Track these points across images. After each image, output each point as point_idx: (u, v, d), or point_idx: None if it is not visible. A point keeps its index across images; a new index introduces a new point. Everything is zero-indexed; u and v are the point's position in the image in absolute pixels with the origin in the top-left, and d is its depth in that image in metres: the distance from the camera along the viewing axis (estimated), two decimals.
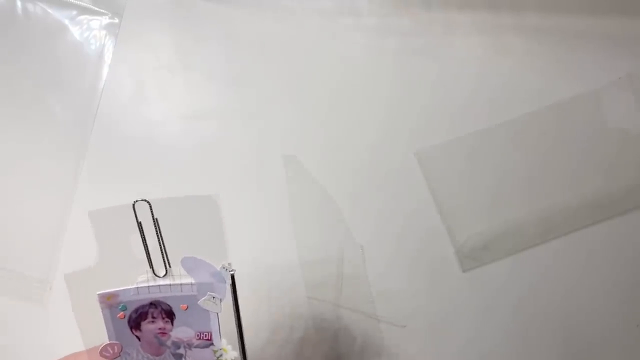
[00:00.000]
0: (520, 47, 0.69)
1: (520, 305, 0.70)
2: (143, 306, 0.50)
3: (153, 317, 0.51)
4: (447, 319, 0.70)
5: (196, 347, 0.52)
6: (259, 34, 0.70)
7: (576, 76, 0.69)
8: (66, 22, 0.68)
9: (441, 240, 0.70)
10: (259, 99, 0.70)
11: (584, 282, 0.70)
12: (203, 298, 0.50)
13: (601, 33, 0.69)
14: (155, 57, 0.69)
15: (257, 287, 0.68)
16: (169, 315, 0.51)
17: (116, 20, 0.68)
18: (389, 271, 0.70)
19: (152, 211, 0.49)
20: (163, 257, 0.50)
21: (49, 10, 0.68)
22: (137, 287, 0.49)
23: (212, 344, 0.52)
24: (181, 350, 0.52)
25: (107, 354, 0.50)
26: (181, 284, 0.50)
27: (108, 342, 0.50)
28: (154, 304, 0.50)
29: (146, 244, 0.49)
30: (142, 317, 0.51)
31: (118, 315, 0.50)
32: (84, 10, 0.68)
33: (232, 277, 0.50)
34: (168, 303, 0.50)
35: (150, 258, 0.50)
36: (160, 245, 0.50)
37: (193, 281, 0.50)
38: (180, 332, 0.52)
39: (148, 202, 0.49)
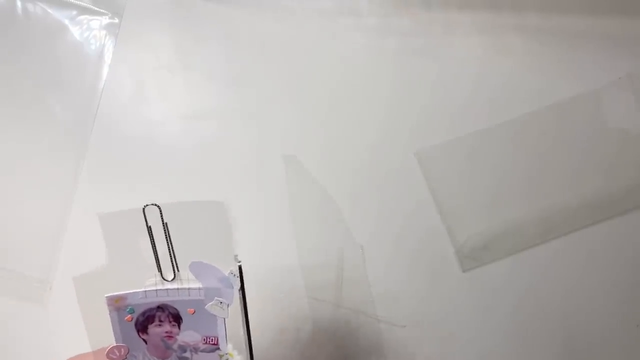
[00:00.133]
0: (520, 47, 0.69)
1: (520, 305, 0.70)
2: (150, 309, 0.50)
3: (160, 321, 0.51)
4: (447, 319, 0.70)
5: (202, 351, 0.52)
6: (259, 34, 0.70)
7: (576, 76, 0.69)
8: (66, 22, 0.68)
9: (441, 240, 0.70)
10: (259, 99, 0.70)
11: (583, 282, 0.70)
12: (210, 303, 0.50)
13: (601, 33, 0.69)
14: (155, 57, 0.69)
15: (260, 287, 0.68)
16: (176, 319, 0.51)
17: (116, 20, 0.68)
18: (389, 271, 0.70)
19: (162, 215, 0.49)
20: (172, 261, 0.50)
21: (49, 10, 0.67)
22: (145, 291, 0.50)
23: (218, 348, 0.52)
24: (187, 354, 0.52)
25: (114, 356, 0.51)
26: (189, 288, 0.50)
27: (115, 344, 0.50)
28: (161, 308, 0.50)
29: (155, 248, 0.49)
30: (150, 320, 0.51)
31: (125, 318, 0.50)
32: (84, 10, 0.68)
33: (240, 268, 0.49)
34: (175, 307, 0.50)
35: (159, 262, 0.50)
36: (169, 249, 0.50)
37: (201, 286, 0.50)
38: (187, 336, 0.52)
39: (158, 206, 0.49)
